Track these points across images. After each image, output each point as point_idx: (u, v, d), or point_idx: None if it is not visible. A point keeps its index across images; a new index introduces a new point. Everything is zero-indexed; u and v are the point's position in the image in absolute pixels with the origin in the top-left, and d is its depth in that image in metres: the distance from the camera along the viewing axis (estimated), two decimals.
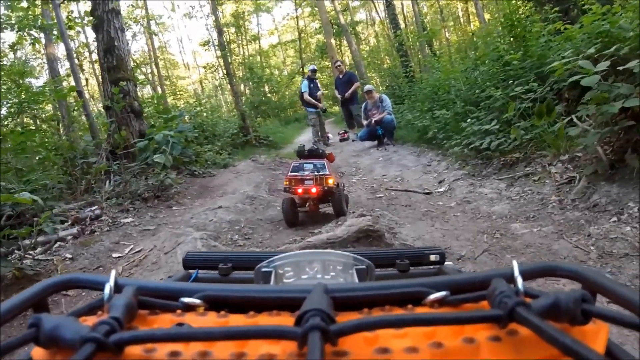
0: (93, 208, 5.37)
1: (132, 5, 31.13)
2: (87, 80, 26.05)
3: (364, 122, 10.50)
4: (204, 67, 36.36)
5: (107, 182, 6.37)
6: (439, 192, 5.58)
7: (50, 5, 8.65)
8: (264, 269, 0.80)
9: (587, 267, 0.50)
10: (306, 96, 12.14)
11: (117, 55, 7.92)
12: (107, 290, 0.47)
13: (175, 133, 7.20)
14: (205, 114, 14.87)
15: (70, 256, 4.23)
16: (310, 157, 4.50)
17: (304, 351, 0.37)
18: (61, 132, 8.80)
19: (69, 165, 6.31)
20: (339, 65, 13.04)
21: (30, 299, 0.48)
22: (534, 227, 3.75)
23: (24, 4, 9.06)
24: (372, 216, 3.78)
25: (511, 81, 6.19)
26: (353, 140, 12.06)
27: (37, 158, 6.13)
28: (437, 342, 0.39)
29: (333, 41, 26.87)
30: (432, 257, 1.01)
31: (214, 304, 0.51)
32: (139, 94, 9.90)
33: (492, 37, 8.52)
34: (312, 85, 12.22)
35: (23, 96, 7.46)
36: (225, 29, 28.33)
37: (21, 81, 9.79)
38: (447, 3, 31.30)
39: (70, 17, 11.31)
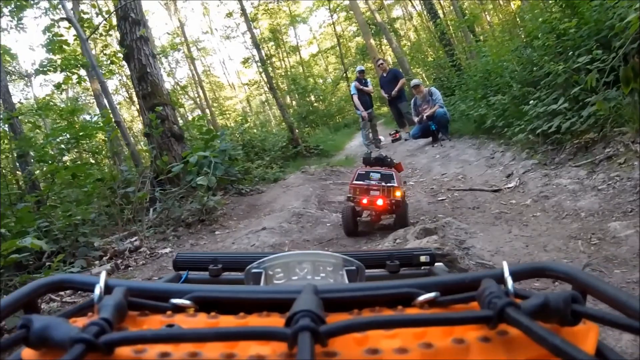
0: (133, 239, 5.19)
1: (169, 33, 31.83)
2: (138, 111, 26.67)
3: (415, 119, 10.06)
4: (247, 85, 36.62)
5: (151, 209, 6.23)
6: (509, 187, 5.01)
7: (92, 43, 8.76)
8: (254, 270, 0.81)
9: (577, 268, 0.51)
10: (355, 99, 11.83)
11: (150, 81, 7.85)
12: (97, 291, 0.47)
13: (213, 153, 7.00)
14: (254, 130, 14.79)
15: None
16: (377, 164, 4.13)
17: (294, 352, 0.37)
18: (107, 163, 8.86)
19: (112, 196, 6.23)
20: (382, 64, 12.64)
21: (20, 299, 0.48)
22: (637, 224, 3.03)
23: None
24: (438, 235, 3.24)
25: (570, 52, 5.59)
26: (406, 140, 11.60)
27: (83, 191, 6.10)
28: (427, 342, 0.40)
29: (372, 41, 26.62)
30: (423, 258, 1.01)
31: (204, 305, 0.50)
32: (183, 117, 9.84)
33: (540, 8, 7.87)
34: (361, 86, 11.86)
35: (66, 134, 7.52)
36: (263, 45, 28.42)
37: (75, 119, 9.98)
38: None
39: (112, 52, 11.46)
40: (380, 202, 3.62)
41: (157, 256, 4.75)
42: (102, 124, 7.46)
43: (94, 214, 5.86)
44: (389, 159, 4.24)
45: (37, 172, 7.69)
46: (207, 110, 31.35)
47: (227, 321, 0.47)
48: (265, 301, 0.50)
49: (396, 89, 11.82)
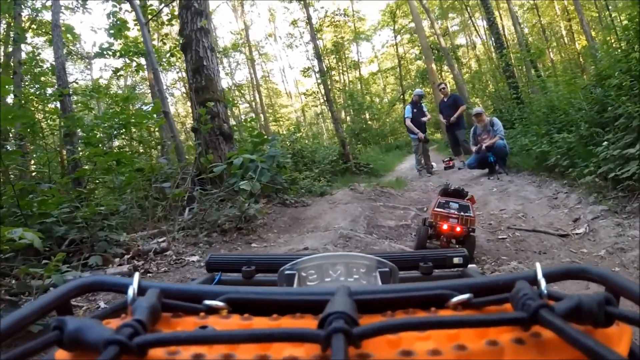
0: (161, 239, 4.76)
1: (232, 32, 32.37)
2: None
3: (473, 148, 9.66)
4: (305, 94, 36.86)
5: (187, 209, 5.86)
6: (577, 233, 4.55)
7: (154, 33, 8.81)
8: (287, 272, 0.81)
9: (610, 270, 0.49)
10: (408, 122, 11.57)
11: (205, 75, 7.59)
12: (130, 292, 0.47)
13: (260, 157, 6.62)
14: (305, 141, 14.78)
15: (101, 305, 3.25)
16: (454, 195, 4.44)
17: (328, 354, 0.37)
18: (155, 154, 8.79)
19: (147, 189, 5.97)
20: (443, 88, 12.34)
21: (53, 301, 0.47)
22: None
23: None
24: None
25: None
26: (459, 169, 11.30)
27: (121, 179, 5.86)
28: (460, 344, 0.40)
29: (434, 66, 26.50)
30: (456, 260, 1.01)
31: (237, 306, 0.50)
32: (236, 119, 9.76)
33: (615, 47, 7.50)
34: (415, 110, 11.61)
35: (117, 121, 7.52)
36: (324, 57, 28.55)
37: (129, 106, 10.11)
38: (549, 22, 30.13)
39: (173, 44, 11.60)
40: (459, 229, 3.96)
41: (183, 263, 4.31)
42: (136, 113, 7.46)
43: (124, 205, 5.58)
44: (465, 192, 4.55)
45: (82, 153, 7.70)
46: (261, 115, 31.70)
47: (261, 323, 0.48)
48: (299, 303, 0.50)
49: (455, 115, 11.44)
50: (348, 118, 30.22)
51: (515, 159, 9.43)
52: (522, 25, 28.53)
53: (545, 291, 0.46)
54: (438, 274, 1.02)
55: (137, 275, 0.51)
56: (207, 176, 6.42)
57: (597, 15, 27.10)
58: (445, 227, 4.00)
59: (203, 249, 4.76)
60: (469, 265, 1.03)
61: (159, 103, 7.06)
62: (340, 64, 35.98)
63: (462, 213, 4.05)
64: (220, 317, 0.49)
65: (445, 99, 11.99)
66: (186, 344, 0.39)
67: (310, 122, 39.36)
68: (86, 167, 7.37)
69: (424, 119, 11.65)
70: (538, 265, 0.49)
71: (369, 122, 28.62)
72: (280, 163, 7.97)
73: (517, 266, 3.70)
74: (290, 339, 0.38)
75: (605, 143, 5.48)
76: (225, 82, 24.70)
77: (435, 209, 4.17)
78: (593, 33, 20.75)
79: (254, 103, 35.78)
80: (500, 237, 4.85)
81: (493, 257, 3.70)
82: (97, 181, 6.78)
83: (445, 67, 30.88)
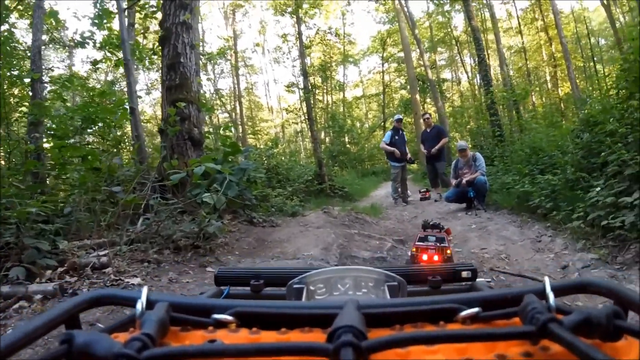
0: (102, 252, 4.11)
1: (219, 37, 32.07)
2: None
3: (453, 182, 9.41)
4: (286, 110, 36.51)
5: (141, 219, 5.16)
6: None
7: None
8: (295, 285, 0.82)
9: (618, 283, 0.50)
10: (383, 144, 11.45)
11: (181, 73, 7.03)
12: (139, 306, 0.48)
13: (230, 169, 6.05)
14: (282, 157, 14.43)
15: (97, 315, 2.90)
16: (432, 228, 4.79)
17: None
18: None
19: (101, 192, 5.21)
20: (427, 118, 12.11)
21: (62, 315, 0.48)
22: None
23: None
24: None
25: None
26: (436, 201, 11.16)
27: (75, 177, 5.25)
28: (469, 358, 0.40)
29: (418, 97, 26.61)
30: (464, 274, 1.00)
31: (246, 320, 0.51)
32: (213, 126, 9.23)
33: (607, 95, 7.38)
34: (396, 137, 11.44)
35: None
36: (311, 75, 28.35)
37: (106, 101, 9.55)
38: (535, 66, 30.85)
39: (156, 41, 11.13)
40: (436, 257, 4.29)
41: (121, 285, 3.66)
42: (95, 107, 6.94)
43: (69, 208, 4.94)
44: (441, 225, 4.87)
45: (47, 144, 7.17)
46: (240, 127, 31.34)
47: (269, 336, 0.47)
48: (307, 316, 0.50)
49: (437, 147, 11.26)
50: (327, 139, 30.15)
51: (495, 196, 9.26)
52: (508, 67, 28.94)
53: (554, 305, 0.45)
54: (446, 288, 1.01)
55: (145, 288, 0.51)
56: (168, 184, 5.77)
57: (582, 65, 27.83)
58: (425, 257, 4.32)
59: (149, 269, 4.17)
60: (477, 279, 1.02)
61: (122, 98, 6.53)
62: (325, 84, 35.88)
63: (438, 244, 4.41)
64: (228, 331, 0.49)
65: (429, 130, 11.81)
66: (195, 358, 0.39)
67: (289, 139, 39.18)
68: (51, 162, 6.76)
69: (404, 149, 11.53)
70: (547, 279, 0.49)
71: (348, 146, 28.60)
72: (252, 177, 7.40)
73: None
74: (299, 352, 0.38)
75: (597, 189, 5.22)
76: (205, 88, 24.14)
77: (416, 243, 4.49)
78: (577, 81, 21.18)
79: (234, 113, 35.34)
80: (484, 281, 4.52)
81: None
82: (63, 177, 6.13)
83: (429, 100, 31.04)
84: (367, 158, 29.66)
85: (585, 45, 28.89)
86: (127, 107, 6.71)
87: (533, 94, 28.39)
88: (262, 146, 19.24)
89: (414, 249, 4.47)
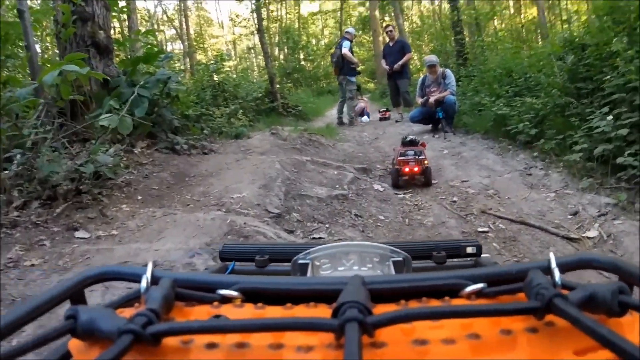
0: None
1: None
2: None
3: (419, 101, 8.53)
4: (233, 21, 34.01)
5: (19, 155, 3.69)
6: (590, 238, 3.25)
7: None
8: (300, 261, 0.82)
9: (622, 259, 0.51)
10: (347, 52, 10.21)
11: None
12: (144, 282, 0.48)
13: (142, 83, 4.84)
14: (229, 73, 13.10)
15: None
16: (410, 144, 5.53)
17: (341, 342, 0.37)
18: None
19: None
20: (391, 31, 11.06)
21: (67, 291, 0.48)
22: None
23: None
24: None
25: None
26: (397, 121, 10.52)
27: None
28: (474, 333, 0.40)
29: (378, 13, 25.58)
30: (469, 249, 1.01)
31: (251, 296, 0.50)
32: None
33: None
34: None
35: None
36: None
37: None
38: None
39: None
40: (416, 169, 5.21)
41: None
42: None
43: None
44: (417, 140, 5.66)
45: None
46: (186, 44, 29.45)
47: (274, 312, 0.47)
48: (312, 292, 0.50)
49: (400, 63, 10.30)
50: (282, 56, 28.66)
51: (465, 118, 8.44)
52: None
53: (559, 281, 0.45)
54: (451, 264, 1.01)
55: (150, 264, 0.50)
56: (58, 104, 4.30)
57: None
58: (407, 169, 5.25)
59: None
60: (482, 255, 1.02)
61: None
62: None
63: (417, 157, 5.26)
64: (233, 307, 0.48)
65: (391, 44, 10.87)
66: (200, 333, 0.39)
67: (240, 55, 37.33)
68: None
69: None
70: (552, 255, 0.48)
71: (303, 63, 27.23)
72: (172, 91, 5.84)
73: None
74: (304, 328, 0.38)
75: (609, 117, 4.31)
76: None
77: (399, 158, 5.35)
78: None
79: (180, 29, 33.00)
80: (479, 229, 3.55)
81: None
82: None
83: (387, 18, 29.63)
84: (323, 76, 28.49)
85: None
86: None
87: (496, 18, 27.72)
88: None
89: (398, 163, 5.35)
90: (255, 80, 16.55)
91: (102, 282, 0.53)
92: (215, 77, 11.09)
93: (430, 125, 8.57)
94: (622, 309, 0.40)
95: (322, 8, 42.05)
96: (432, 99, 8.16)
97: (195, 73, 13.83)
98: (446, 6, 18.82)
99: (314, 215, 3.77)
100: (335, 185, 4.59)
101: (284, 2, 35.38)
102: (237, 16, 32.57)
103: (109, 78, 5.12)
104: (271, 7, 31.68)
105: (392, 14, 26.24)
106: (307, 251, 0.81)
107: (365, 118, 11.68)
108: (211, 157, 5.36)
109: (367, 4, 28.76)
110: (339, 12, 36.12)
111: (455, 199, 4.36)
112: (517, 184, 4.58)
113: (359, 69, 10.89)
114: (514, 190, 4.37)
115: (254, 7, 15.76)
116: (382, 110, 11.93)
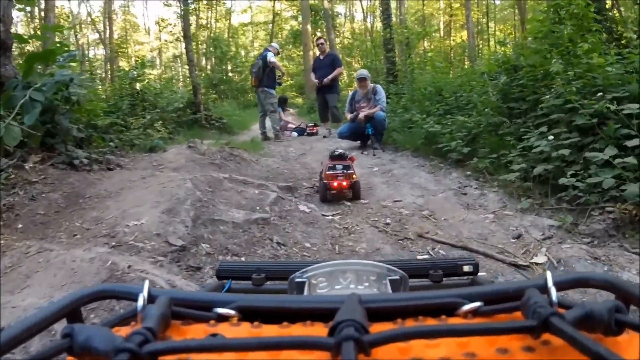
0: None
1: None
2: None
3: (349, 116, 8.34)
4: (158, 25, 32.49)
5: None
6: (539, 264, 2.93)
7: None
8: (297, 279, 0.80)
9: (620, 277, 0.65)
10: (275, 60, 9.95)
11: None
12: (140, 300, 0.47)
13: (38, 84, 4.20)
14: (151, 81, 12.44)
15: None
16: (339, 158, 5.40)
17: None
18: None
19: None
20: (322, 44, 10.83)
21: (63, 309, 0.47)
22: None
23: None
24: None
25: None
26: (325, 137, 10.29)
27: None
28: (471, 352, 0.40)
29: (310, 27, 25.59)
30: (466, 268, 1.01)
31: (248, 314, 0.50)
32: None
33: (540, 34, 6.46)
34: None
35: None
36: None
37: None
38: (431, 13, 31.47)
39: None
40: (344, 183, 5.10)
41: None
42: None
43: None
44: (346, 154, 5.56)
45: None
46: (107, 49, 28.15)
47: (271, 331, 0.47)
48: (309, 310, 0.49)
49: (330, 77, 10.06)
50: (209, 66, 27.95)
51: (395, 135, 8.34)
52: (406, 9, 28.66)
53: (556, 299, 0.44)
54: (448, 282, 1.00)
55: (147, 283, 0.49)
56: None
57: (476, 19, 28.90)
58: (335, 184, 5.12)
59: None
60: (479, 273, 1.01)
61: None
62: (210, 7, 32.96)
63: (345, 171, 5.14)
64: (230, 325, 0.48)
65: (322, 57, 10.70)
66: (196, 352, 0.38)
67: (166, 64, 36.18)
68: None
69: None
70: (548, 273, 0.47)
71: (230, 74, 26.63)
72: (73, 95, 5.09)
73: None
74: (301, 346, 0.38)
75: (550, 137, 4.17)
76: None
77: (327, 172, 5.21)
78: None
79: (103, 34, 31.48)
80: (418, 257, 3.17)
81: None
82: None
83: (319, 33, 29.73)
84: (250, 89, 28.08)
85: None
86: None
87: (425, 39, 28.59)
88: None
89: (326, 177, 5.21)
90: (179, 90, 15.91)
91: (98, 300, 0.52)
92: (137, 85, 10.47)
93: (359, 142, 8.35)
94: (619, 328, 0.39)
95: (254, 19, 41.97)
96: (361, 115, 7.95)
97: (115, 80, 13.14)
98: (378, 24, 19.02)
99: (228, 246, 3.21)
100: (255, 207, 4.01)
101: (214, 10, 34.67)
102: (162, 20, 31.21)
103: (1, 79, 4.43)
104: (201, 15, 30.78)
105: (325, 29, 26.33)
106: (304, 269, 0.80)
107: (294, 133, 11.31)
108: (115, 174, 4.70)
109: (300, 18, 28.64)
110: (271, 24, 35.90)
111: (388, 220, 3.96)
112: (452, 204, 4.29)
113: (283, 80, 10.73)
114: (450, 211, 4.06)
115: (181, 12, 15.04)
116: (309, 125, 11.81)
